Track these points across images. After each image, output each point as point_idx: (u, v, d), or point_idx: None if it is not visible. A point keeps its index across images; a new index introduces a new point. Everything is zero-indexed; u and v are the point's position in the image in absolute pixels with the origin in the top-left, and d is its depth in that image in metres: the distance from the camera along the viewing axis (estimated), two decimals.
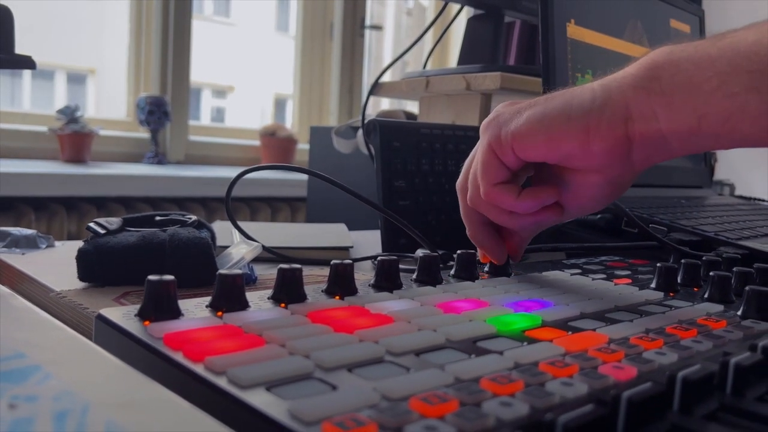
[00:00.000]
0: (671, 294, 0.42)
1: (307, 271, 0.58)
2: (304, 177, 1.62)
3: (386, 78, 1.06)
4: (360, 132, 1.12)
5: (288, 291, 0.33)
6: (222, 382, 0.22)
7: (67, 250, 0.63)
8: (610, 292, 0.41)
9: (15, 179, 1.39)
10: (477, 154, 0.42)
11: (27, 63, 0.66)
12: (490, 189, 0.40)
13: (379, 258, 0.39)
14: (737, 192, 1.23)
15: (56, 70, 2.71)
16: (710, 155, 0.97)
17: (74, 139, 1.53)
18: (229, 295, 0.31)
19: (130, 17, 1.77)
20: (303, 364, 0.24)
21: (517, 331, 0.31)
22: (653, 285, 0.44)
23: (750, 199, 0.97)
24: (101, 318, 0.29)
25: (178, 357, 0.25)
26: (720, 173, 1.52)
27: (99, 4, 2.39)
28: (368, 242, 0.73)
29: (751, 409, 0.24)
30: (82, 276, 0.48)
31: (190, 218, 0.54)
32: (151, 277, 0.29)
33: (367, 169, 1.08)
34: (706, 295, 0.41)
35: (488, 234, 0.44)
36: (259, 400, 0.21)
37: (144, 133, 1.75)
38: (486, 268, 0.45)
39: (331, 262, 0.36)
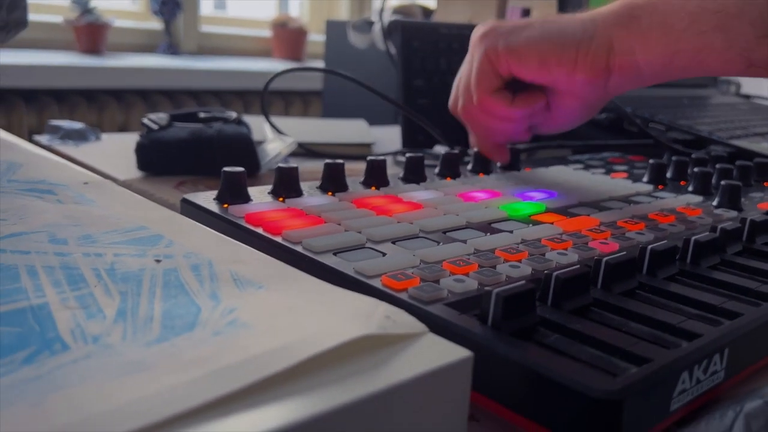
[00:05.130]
0: (660, 187, 0.49)
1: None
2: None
3: None
4: (375, 27, 1.14)
5: (333, 182, 0.40)
6: (299, 249, 0.29)
7: (114, 142, 0.69)
8: (607, 184, 0.48)
9: (36, 71, 1.43)
10: (474, 63, 0.44)
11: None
12: (485, 97, 0.44)
13: (407, 155, 0.45)
14: (744, 90, 1.26)
15: None
16: None
17: (90, 30, 1.55)
18: (287, 184, 0.38)
19: None
20: (357, 237, 0.31)
21: (525, 216, 0.38)
22: (645, 179, 0.50)
23: (750, 97, 1.01)
24: (187, 201, 0.36)
25: (260, 231, 0.31)
26: None
27: None
28: (386, 137, 0.79)
29: (704, 274, 0.31)
30: (141, 166, 0.55)
31: (231, 115, 0.59)
32: (226, 169, 0.36)
33: (382, 64, 1.11)
34: (690, 189, 0.48)
35: (490, 138, 0.48)
36: (332, 261, 0.28)
37: (156, 23, 1.75)
38: (498, 165, 0.51)
39: (367, 158, 0.42)
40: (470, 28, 0.76)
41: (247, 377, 0.16)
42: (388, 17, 1.02)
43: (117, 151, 0.63)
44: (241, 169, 0.36)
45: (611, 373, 0.21)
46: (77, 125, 0.69)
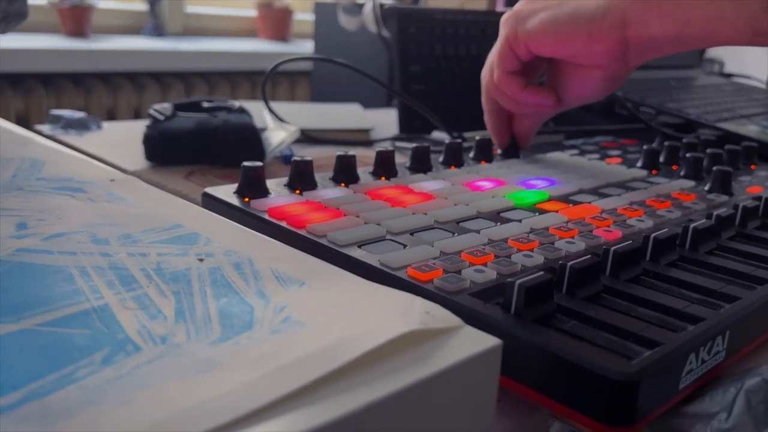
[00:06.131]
0: (654, 172, 0.51)
1: (336, 151, 0.66)
2: (305, 52, 1.64)
3: None
4: (366, 9, 1.15)
5: (346, 173, 0.41)
6: (325, 242, 0.31)
7: (116, 131, 0.70)
8: (603, 170, 0.50)
9: (23, 55, 1.41)
10: (496, 45, 0.49)
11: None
12: (503, 76, 0.48)
13: (414, 146, 0.46)
14: (727, 68, 1.28)
15: None
16: None
17: (74, 12, 1.53)
18: (303, 177, 0.39)
19: None
20: (378, 229, 0.33)
21: (530, 204, 0.40)
22: (639, 164, 0.52)
23: (732, 76, 1.04)
24: (208, 195, 0.37)
25: (284, 224, 0.33)
26: (712, 49, 1.55)
27: None
28: (383, 122, 0.80)
29: (702, 259, 0.33)
30: (149, 156, 0.56)
31: (234, 104, 0.60)
32: (245, 164, 0.37)
33: (373, 46, 1.12)
34: (682, 173, 0.50)
35: (498, 121, 0.52)
36: (357, 254, 0.30)
37: (140, 4, 1.73)
38: (499, 151, 0.53)
39: (377, 150, 0.44)
40: (465, 13, 0.77)
41: (310, 373, 0.18)
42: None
43: (120, 140, 0.64)
44: (259, 163, 0.37)
45: (626, 356, 0.23)
46: (78, 114, 0.69)
